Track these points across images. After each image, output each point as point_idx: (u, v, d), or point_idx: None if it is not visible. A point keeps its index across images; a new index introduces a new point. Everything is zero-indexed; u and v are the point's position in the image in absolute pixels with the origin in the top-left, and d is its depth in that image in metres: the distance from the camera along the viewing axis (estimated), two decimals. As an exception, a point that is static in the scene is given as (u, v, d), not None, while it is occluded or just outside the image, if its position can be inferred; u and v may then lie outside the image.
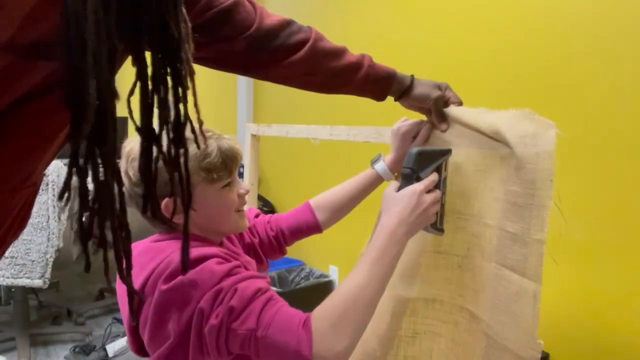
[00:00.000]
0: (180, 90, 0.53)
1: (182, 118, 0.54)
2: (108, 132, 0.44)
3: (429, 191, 0.78)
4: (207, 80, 3.83)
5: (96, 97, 0.40)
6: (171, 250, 0.75)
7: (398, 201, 0.76)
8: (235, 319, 0.69)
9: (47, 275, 2.10)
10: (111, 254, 0.58)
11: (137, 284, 0.75)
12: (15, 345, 2.27)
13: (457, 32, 1.80)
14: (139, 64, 0.48)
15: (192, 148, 0.76)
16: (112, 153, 0.45)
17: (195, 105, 0.57)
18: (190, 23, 0.67)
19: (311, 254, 2.66)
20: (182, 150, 0.56)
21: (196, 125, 0.59)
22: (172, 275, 0.71)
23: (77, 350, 2.20)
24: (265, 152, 3.00)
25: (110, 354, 2.13)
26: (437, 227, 0.83)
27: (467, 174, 0.85)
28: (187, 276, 0.70)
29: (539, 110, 0.75)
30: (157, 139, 0.52)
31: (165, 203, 0.76)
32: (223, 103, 3.77)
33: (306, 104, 2.72)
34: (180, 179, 0.57)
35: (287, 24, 0.84)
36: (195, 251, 0.73)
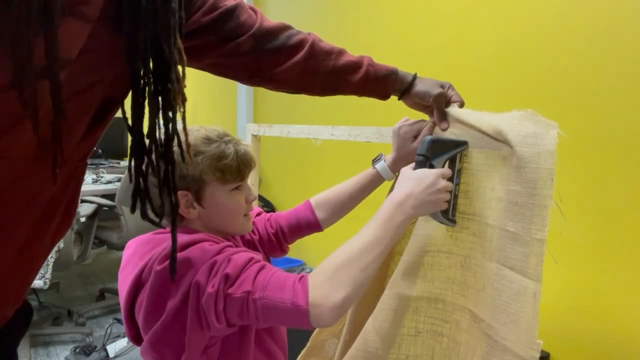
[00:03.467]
0: (170, 110, 0.60)
1: (170, 134, 0.61)
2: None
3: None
4: (207, 81, 3.83)
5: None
6: (169, 241, 0.76)
7: (413, 178, 0.78)
8: (231, 284, 0.70)
9: (48, 275, 2.10)
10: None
11: (135, 272, 0.77)
12: (16, 346, 2.27)
13: (458, 35, 1.80)
14: (134, 79, 0.56)
15: (210, 148, 0.81)
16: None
17: (184, 128, 0.63)
18: (198, 24, 0.73)
19: (311, 254, 2.66)
20: (169, 167, 0.63)
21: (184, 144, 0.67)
22: (166, 256, 0.73)
23: (77, 350, 2.20)
24: (266, 152, 3.00)
25: (111, 354, 2.13)
26: (449, 217, 0.84)
27: (468, 174, 0.85)
28: (181, 255, 0.73)
29: (540, 111, 0.75)
30: (147, 150, 0.60)
31: (178, 196, 0.79)
32: (223, 103, 3.77)
33: (306, 104, 2.72)
34: (168, 191, 0.64)
35: (285, 27, 0.87)
36: (187, 237, 0.77)
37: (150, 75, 0.57)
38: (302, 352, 1.20)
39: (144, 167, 0.62)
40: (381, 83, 0.92)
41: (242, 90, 3.32)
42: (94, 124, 0.58)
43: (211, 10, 0.79)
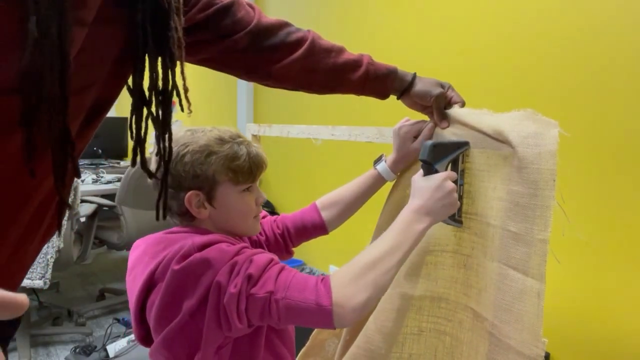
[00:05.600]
0: (169, 58, 0.58)
1: (169, 83, 0.59)
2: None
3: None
4: (207, 81, 3.83)
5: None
6: (183, 241, 0.77)
7: (422, 187, 0.80)
8: (254, 284, 0.71)
9: (48, 275, 2.10)
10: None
11: (147, 271, 0.77)
12: (16, 346, 2.28)
13: (457, 34, 1.80)
14: (133, 32, 0.55)
15: (224, 148, 0.82)
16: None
17: (182, 72, 0.61)
18: (193, 21, 0.71)
19: (311, 254, 2.66)
20: (167, 111, 0.61)
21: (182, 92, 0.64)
22: (184, 256, 0.74)
23: (77, 350, 2.20)
24: (266, 153, 2.99)
25: (111, 354, 2.13)
26: (455, 218, 0.85)
27: (470, 174, 0.85)
28: (200, 255, 0.73)
29: (541, 110, 0.75)
30: (147, 101, 0.58)
31: (189, 196, 0.81)
32: (223, 103, 3.76)
33: (306, 104, 2.72)
34: (162, 137, 0.61)
35: (285, 23, 0.87)
36: (204, 238, 0.77)
37: (149, 27, 0.55)
38: (302, 351, 1.20)
39: (143, 121, 0.59)
40: (381, 82, 0.91)
41: (242, 90, 3.32)
42: (84, 127, 0.57)
43: (206, 7, 0.78)
